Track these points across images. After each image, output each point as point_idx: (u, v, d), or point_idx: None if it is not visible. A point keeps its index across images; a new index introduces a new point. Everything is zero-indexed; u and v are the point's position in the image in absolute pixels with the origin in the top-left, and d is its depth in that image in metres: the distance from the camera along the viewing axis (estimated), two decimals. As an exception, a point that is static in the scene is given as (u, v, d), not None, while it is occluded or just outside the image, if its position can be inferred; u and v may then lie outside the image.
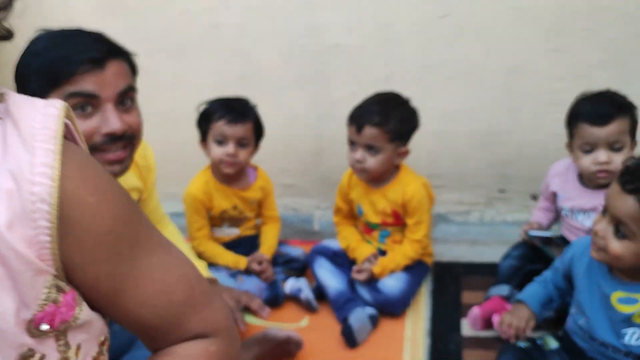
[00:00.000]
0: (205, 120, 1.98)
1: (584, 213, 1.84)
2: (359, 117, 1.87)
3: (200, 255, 2.05)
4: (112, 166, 1.25)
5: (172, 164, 2.65)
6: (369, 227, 2.03)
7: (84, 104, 1.19)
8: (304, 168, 2.59)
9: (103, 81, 1.20)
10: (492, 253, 2.25)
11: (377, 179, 1.95)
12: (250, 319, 1.95)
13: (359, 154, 1.87)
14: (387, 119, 1.84)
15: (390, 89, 2.01)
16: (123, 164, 1.28)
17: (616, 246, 1.26)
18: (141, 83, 1.39)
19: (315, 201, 2.63)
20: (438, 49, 2.25)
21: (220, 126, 1.94)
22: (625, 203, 1.22)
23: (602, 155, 1.71)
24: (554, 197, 1.97)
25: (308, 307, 1.97)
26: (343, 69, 2.36)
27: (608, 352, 1.39)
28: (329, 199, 2.62)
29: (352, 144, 1.90)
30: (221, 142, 1.96)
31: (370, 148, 1.86)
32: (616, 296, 1.35)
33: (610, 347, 1.38)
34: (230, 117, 1.94)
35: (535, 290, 1.62)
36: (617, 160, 1.67)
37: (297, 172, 2.60)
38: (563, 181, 1.91)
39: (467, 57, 2.25)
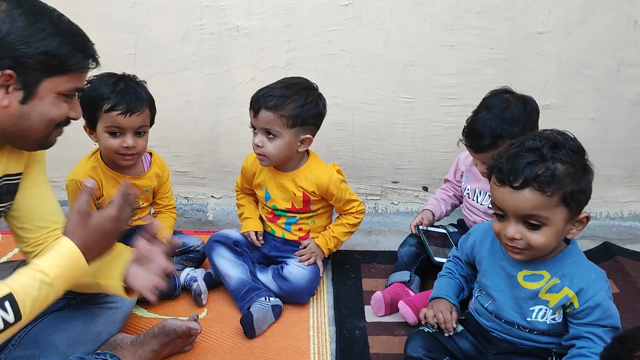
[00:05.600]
0: (92, 107, 1.74)
1: (486, 194, 1.93)
2: (257, 101, 1.81)
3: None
4: None
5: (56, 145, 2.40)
6: (275, 214, 1.97)
7: None
8: (199, 155, 2.47)
9: None
10: (387, 242, 2.32)
11: (281, 165, 1.90)
12: (144, 313, 1.82)
13: (258, 138, 1.82)
14: (284, 103, 1.78)
15: (291, 76, 1.97)
16: None
17: (537, 238, 1.31)
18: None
19: (209, 190, 2.54)
20: (339, 37, 2.25)
21: (114, 117, 1.74)
22: (525, 198, 1.27)
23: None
24: (461, 178, 2.05)
25: (196, 301, 1.87)
26: (243, 52, 2.28)
27: (513, 330, 1.46)
28: (224, 187, 2.52)
29: (253, 128, 1.85)
30: (116, 133, 1.77)
31: (269, 133, 1.81)
32: (522, 275, 1.41)
33: (515, 325, 1.45)
34: (126, 107, 1.73)
35: (447, 283, 1.65)
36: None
37: (191, 159, 2.48)
38: (471, 164, 1.97)
39: (366, 47, 2.27)
